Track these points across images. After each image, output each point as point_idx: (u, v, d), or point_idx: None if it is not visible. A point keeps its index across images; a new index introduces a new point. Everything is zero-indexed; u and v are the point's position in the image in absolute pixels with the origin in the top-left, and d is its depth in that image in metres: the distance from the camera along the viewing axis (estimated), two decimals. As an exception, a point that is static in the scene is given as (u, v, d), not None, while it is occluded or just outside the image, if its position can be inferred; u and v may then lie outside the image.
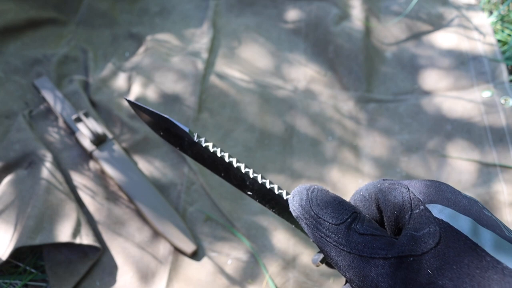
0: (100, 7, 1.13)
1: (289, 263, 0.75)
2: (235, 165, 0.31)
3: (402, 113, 0.97)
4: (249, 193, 0.32)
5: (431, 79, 1.02)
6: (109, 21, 1.12)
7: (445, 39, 1.09)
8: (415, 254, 0.23)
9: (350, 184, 0.86)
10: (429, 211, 0.25)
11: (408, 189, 0.27)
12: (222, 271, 0.74)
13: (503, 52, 1.04)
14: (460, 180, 0.86)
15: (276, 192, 0.31)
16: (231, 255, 0.76)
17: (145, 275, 0.73)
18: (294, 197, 0.29)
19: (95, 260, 0.73)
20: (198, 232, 0.78)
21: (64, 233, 0.71)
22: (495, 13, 1.12)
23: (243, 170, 0.31)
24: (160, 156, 0.87)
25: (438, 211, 0.25)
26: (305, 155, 0.90)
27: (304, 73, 1.03)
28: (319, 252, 0.31)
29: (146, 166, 0.85)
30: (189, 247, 0.74)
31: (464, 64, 1.04)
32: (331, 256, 0.26)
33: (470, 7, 1.15)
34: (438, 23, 1.12)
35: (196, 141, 0.31)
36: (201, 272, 0.74)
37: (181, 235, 0.75)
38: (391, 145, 0.92)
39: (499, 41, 1.09)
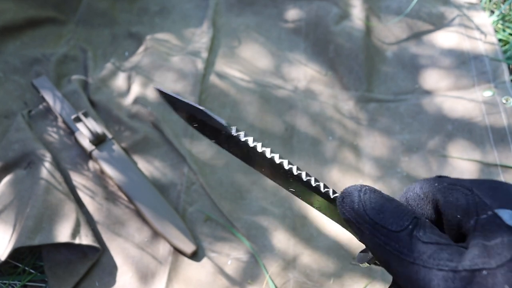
0: (99, 7, 1.12)
1: (289, 263, 0.75)
2: (277, 161, 0.29)
3: (402, 113, 0.97)
4: (291, 189, 0.30)
5: (432, 79, 1.02)
6: (108, 20, 1.11)
7: (446, 38, 1.09)
8: (489, 267, 0.21)
9: (350, 184, 0.86)
10: (500, 218, 0.22)
11: (472, 191, 0.24)
12: (222, 271, 0.74)
13: (505, 52, 1.04)
14: (461, 180, 0.85)
15: (322, 190, 0.29)
16: (231, 256, 0.75)
17: (145, 276, 0.73)
18: (344, 199, 0.27)
19: (95, 260, 0.73)
20: (198, 232, 0.77)
21: (63, 233, 0.71)
22: (496, 12, 1.11)
23: (286, 167, 0.29)
24: (160, 156, 0.86)
25: (510, 217, 0.22)
26: (305, 155, 0.89)
27: (304, 73, 1.03)
28: (364, 250, 0.29)
29: (146, 166, 0.85)
30: (189, 247, 0.74)
31: (465, 64, 1.03)
32: (390, 264, 0.24)
33: (471, 6, 1.15)
34: (439, 23, 1.12)
35: (234, 134, 0.29)
36: (201, 273, 0.73)
37: (181, 235, 0.75)
38: (391, 145, 0.92)
39: (500, 40, 1.09)
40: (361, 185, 0.27)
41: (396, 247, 0.24)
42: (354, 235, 0.28)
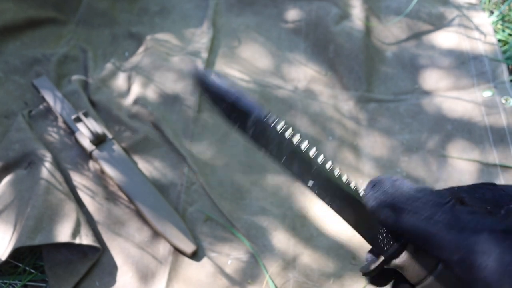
0: (99, 7, 1.12)
1: (289, 263, 0.75)
2: (303, 148, 0.29)
3: (402, 113, 0.97)
4: (309, 184, 0.29)
5: (432, 79, 1.02)
6: (108, 20, 1.11)
7: (445, 38, 1.09)
8: None
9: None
10: None
11: (495, 185, 0.26)
12: (222, 271, 0.74)
13: (504, 52, 1.04)
14: (461, 180, 0.86)
15: (346, 182, 0.29)
16: (231, 255, 0.75)
17: (145, 276, 0.73)
18: (376, 185, 0.27)
19: (95, 260, 0.73)
20: (198, 232, 0.78)
21: (63, 233, 0.71)
22: (496, 12, 1.12)
23: (311, 155, 0.29)
24: (160, 156, 0.86)
25: None
26: (305, 155, 0.89)
27: (304, 73, 1.03)
28: (371, 251, 0.29)
29: (146, 166, 0.85)
30: (189, 247, 0.74)
31: (465, 64, 1.03)
32: (435, 237, 0.24)
33: (470, 6, 1.15)
34: (439, 23, 1.12)
35: (264, 120, 0.29)
36: (201, 273, 0.74)
37: (181, 235, 0.75)
38: (391, 145, 0.92)
39: (499, 40, 1.09)
40: (392, 177, 0.28)
41: (443, 218, 0.24)
42: (365, 237, 0.28)
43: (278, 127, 0.29)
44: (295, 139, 0.29)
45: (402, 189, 0.26)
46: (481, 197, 0.26)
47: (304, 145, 0.29)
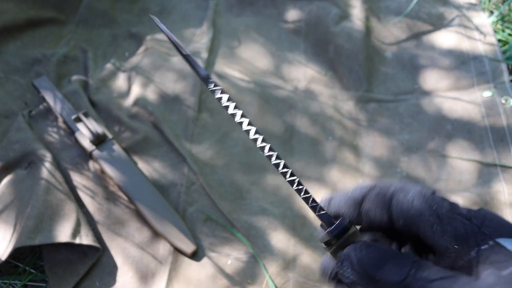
0: (99, 7, 1.12)
1: (289, 263, 0.75)
2: (244, 128, 0.28)
3: (402, 113, 0.97)
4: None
5: (432, 79, 1.02)
6: (108, 21, 1.11)
7: (445, 39, 1.09)
8: None
9: (350, 184, 0.86)
10: (504, 247, 0.23)
11: (471, 220, 0.24)
12: (222, 271, 0.74)
13: (504, 52, 1.04)
14: (461, 180, 0.86)
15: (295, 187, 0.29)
16: (231, 256, 0.75)
17: (145, 275, 0.73)
18: (344, 262, 0.26)
19: (95, 260, 0.73)
20: (198, 232, 0.78)
21: (63, 233, 0.71)
22: (496, 12, 1.12)
23: (251, 136, 0.28)
24: (160, 156, 0.86)
25: None
26: (305, 155, 0.90)
27: (304, 73, 1.03)
28: (321, 225, 0.29)
29: (146, 166, 0.85)
30: (189, 247, 0.74)
31: (465, 64, 1.03)
32: None
33: (470, 6, 1.15)
34: (439, 23, 1.12)
35: (210, 89, 0.29)
36: (201, 273, 0.74)
37: (181, 235, 0.75)
38: (391, 145, 0.92)
39: (499, 41, 1.09)
40: (355, 244, 0.26)
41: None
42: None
43: (224, 100, 0.29)
44: (237, 116, 0.28)
45: (365, 262, 0.25)
46: (453, 231, 0.25)
47: (245, 124, 0.28)
